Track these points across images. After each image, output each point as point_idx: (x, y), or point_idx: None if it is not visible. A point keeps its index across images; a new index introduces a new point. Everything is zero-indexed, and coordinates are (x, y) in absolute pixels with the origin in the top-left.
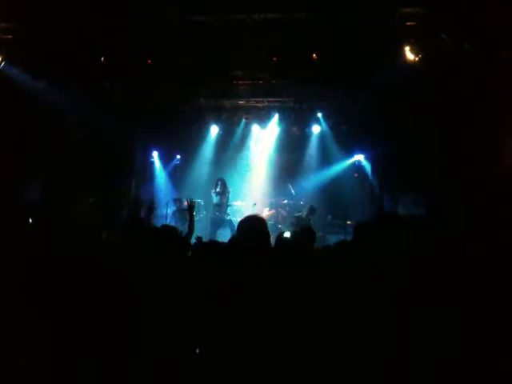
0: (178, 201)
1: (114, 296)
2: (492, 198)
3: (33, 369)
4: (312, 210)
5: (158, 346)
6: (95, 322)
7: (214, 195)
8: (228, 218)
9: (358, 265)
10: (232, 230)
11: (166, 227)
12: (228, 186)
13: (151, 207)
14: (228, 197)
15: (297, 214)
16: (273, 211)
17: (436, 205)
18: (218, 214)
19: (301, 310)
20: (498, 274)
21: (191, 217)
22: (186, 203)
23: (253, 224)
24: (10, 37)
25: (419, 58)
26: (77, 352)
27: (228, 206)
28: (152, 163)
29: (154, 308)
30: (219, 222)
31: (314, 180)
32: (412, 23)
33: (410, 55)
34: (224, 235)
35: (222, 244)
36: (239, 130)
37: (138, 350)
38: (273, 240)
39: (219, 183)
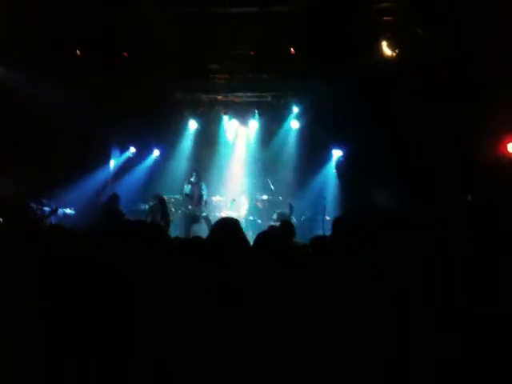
0: (155, 197)
1: (102, 294)
2: (467, 191)
3: (28, 369)
4: (291, 208)
5: (155, 345)
6: (88, 321)
7: (185, 185)
8: (204, 214)
9: (341, 259)
10: (209, 225)
11: (143, 222)
12: (203, 179)
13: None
14: (201, 189)
15: (279, 211)
16: (251, 207)
17: (410, 199)
18: (190, 207)
19: (292, 308)
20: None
21: (164, 211)
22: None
23: (226, 226)
24: None
25: (396, 53)
26: (69, 351)
27: (202, 199)
28: (129, 158)
29: (138, 307)
30: (193, 217)
31: (292, 175)
32: (388, 18)
33: (387, 50)
34: (198, 231)
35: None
36: (217, 125)
37: (135, 350)
38: (253, 236)
39: (194, 174)
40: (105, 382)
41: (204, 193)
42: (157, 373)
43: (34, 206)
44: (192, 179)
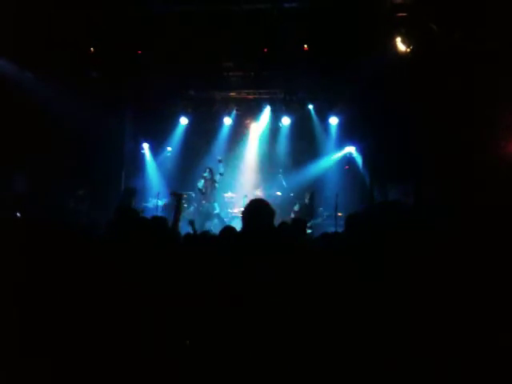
0: (172, 194)
1: (107, 292)
2: (481, 189)
3: (32, 368)
4: (313, 196)
5: (155, 344)
6: (88, 319)
7: (199, 181)
8: (216, 211)
9: (351, 256)
10: (221, 222)
11: (157, 218)
12: (216, 175)
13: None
14: (215, 186)
15: (300, 201)
16: None
17: (424, 195)
18: (204, 202)
19: (299, 307)
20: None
21: (178, 207)
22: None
23: (257, 207)
24: None
25: (410, 49)
26: (69, 349)
27: (214, 195)
28: (142, 155)
29: (145, 304)
30: (207, 213)
31: (305, 172)
32: (403, 14)
33: (401, 46)
34: (210, 227)
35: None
36: (230, 122)
37: (134, 349)
38: None
39: (207, 170)
40: (109, 380)
41: (216, 179)
42: (160, 372)
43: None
44: (205, 174)
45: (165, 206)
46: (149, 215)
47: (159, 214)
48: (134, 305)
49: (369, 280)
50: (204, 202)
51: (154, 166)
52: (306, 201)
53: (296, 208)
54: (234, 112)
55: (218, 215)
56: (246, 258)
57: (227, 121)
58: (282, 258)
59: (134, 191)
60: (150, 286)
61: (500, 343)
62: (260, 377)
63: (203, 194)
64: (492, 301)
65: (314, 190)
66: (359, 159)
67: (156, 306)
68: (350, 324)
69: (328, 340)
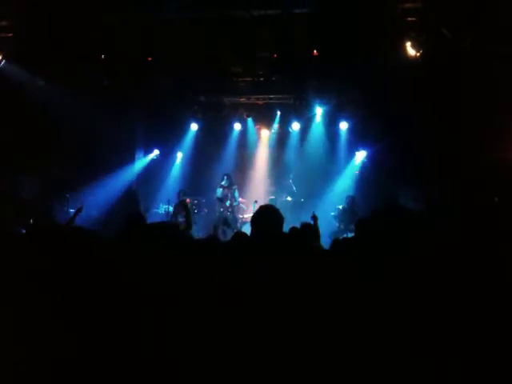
0: (181, 192)
1: (114, 296)
2: (492, 194)
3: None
4: (353, 199)
5: (155, 344)
6: (93, 321)
7: (218, 189)
8: (231, 215)
9: (350, 257)
10: (233, 227)
11: (164, 223)
12: (234, 183)
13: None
14: (233, 193)
15: (339, 206)
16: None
17: (434, 200)
18: (222, 210)
19: (299, 307)
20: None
21: (187, 213)
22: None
23: (267, 213)
24: (10, 35)
25: (420, 54)
26: (72, 350)
27: (233, 204)
28: (153, 160)
29: (154, 307)
30: (224, 220)
31: (315, 177)
32: (413, 19)
33: (411, 51)
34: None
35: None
36: (240, 127)
37: (134, 349)
38: None
39: (225, 177)
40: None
41: (235, 198)
42: (160, 371)
43: (57, 204)
44: (223, 183)
45: (174, 208)
46: (158, 220)
47: (169, 217)
48: (133, 304)
49: (368, 280)
50: (222, 209)
51: (164, 172)
52: (346, 206)
53: (336, 213)
54: (246, 118)
55: (233, 220)
56: (247, 259)
57: (237, 126)
58: (282, 259)
59: (135, 193)
60: (149, 286)
61: (500, 343)
62: (260, 377)
63: (222, 202)
64: (492, 301)
65: (353, 195)
66: (370, 163)
67: (155, 305)
68: (349, 324)
69: (328, 340)
